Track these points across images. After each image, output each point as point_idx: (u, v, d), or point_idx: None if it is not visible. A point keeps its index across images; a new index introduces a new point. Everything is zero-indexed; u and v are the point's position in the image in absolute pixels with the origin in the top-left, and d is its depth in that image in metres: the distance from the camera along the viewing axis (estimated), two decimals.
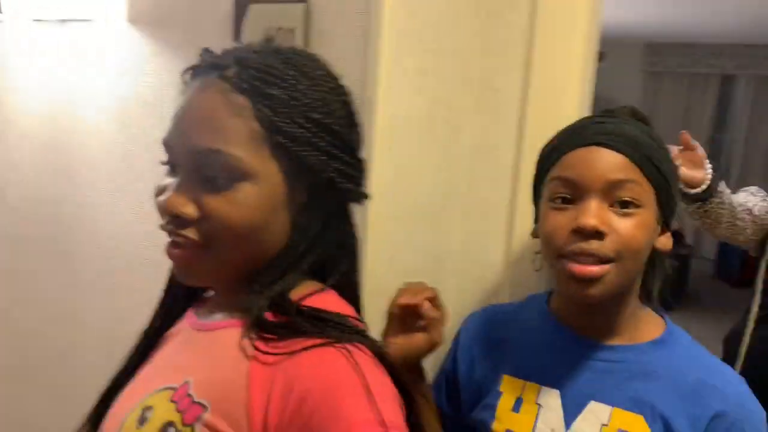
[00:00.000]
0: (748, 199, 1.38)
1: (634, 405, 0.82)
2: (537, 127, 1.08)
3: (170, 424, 0.67)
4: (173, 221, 0.62)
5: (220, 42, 1.07)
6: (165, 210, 0.62)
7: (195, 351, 0.71)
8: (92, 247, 1.26)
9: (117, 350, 0.74)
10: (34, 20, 1.27)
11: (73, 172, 1.27)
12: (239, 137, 0.60)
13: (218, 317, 0.69)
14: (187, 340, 0.72)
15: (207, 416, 0.66)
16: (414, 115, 0.99)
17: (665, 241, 0.84)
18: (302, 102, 0.62)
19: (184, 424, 0.67)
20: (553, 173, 0.83)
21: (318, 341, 0.62)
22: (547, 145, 0.86)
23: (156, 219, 0.62)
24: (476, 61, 1.06)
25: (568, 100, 1.08)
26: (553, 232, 0.80)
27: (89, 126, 1.24)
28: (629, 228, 0.78)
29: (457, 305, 1.04)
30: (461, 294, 1.10)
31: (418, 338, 0.85)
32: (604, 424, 0.82)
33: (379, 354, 0.64)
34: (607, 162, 0.79)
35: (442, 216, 1.10)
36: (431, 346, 0.87)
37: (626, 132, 0.81)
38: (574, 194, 0.80)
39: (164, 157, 0.65)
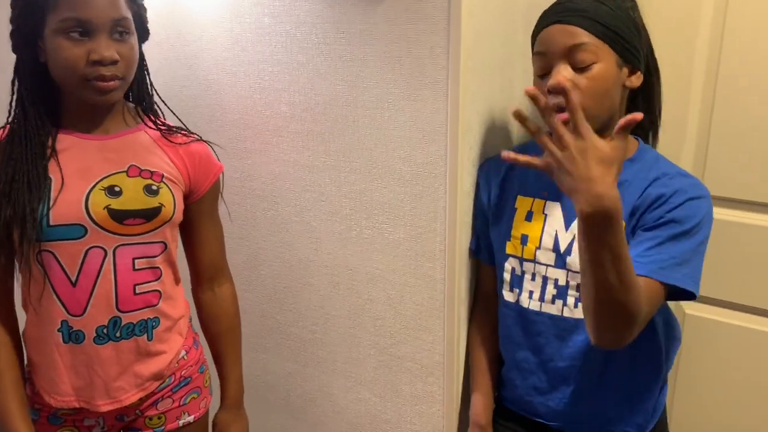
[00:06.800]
0: None
1: None
2: None
3: (148, 186, 1.09)
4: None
5: None
6: None
7: (115, 150, 1.09)
8: (218, 117, 1.56)
9: None
10: None
11: (195, 59, 1.53)
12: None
13: (116, 129, 1.11)
14: (97, 148, 1.08)
15: (166, 176, 1.12)
16: (485, 27, 1.21)
17: (634, 80, 1.05)
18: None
19: (158, 182, 1.10)
20: (534, 49, 1.07)
21: (193, 137, 1.18)
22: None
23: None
24: None
25: None
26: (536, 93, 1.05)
27: (207, 18, 1.46)
28: (586, 82, 1.00)
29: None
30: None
31: None
32: None
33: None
34: (561, 34, 1.00)
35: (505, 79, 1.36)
36: None
37: (577, 6, 1.00)
38: (545, 66, 1.03)
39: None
